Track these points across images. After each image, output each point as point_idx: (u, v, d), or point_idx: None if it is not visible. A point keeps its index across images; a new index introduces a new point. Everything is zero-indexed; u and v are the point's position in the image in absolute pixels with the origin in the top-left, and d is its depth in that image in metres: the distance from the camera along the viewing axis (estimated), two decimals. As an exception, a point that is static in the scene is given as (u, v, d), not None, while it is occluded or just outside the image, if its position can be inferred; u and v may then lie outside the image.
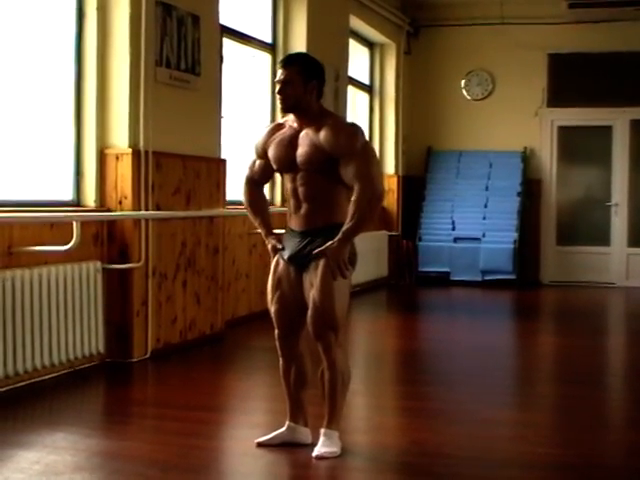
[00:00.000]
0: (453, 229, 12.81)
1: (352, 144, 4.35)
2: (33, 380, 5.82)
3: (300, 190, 4.42)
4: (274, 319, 4.54)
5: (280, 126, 4.56)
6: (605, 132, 13.06)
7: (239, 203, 8.56)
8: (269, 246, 4.57)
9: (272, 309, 4.53)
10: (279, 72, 4.41)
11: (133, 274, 6.63)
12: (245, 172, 4.70)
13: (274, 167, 4.54)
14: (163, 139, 6.92)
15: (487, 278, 12.49)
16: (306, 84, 4.37)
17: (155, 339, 6.88)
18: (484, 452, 4.61)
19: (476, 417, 5.35)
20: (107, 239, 6.57)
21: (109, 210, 6.62)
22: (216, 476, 4.34)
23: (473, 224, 12.72)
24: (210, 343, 7.53)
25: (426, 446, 4.72)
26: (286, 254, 4.47)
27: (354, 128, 4.42)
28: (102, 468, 4.29)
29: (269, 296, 4.54)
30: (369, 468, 4.33)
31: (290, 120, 4.52)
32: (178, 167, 7.17)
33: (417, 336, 8.94)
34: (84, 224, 6.08)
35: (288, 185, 4.48)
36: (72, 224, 5.87)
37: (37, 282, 5.76)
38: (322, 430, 4.42)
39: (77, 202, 6.58)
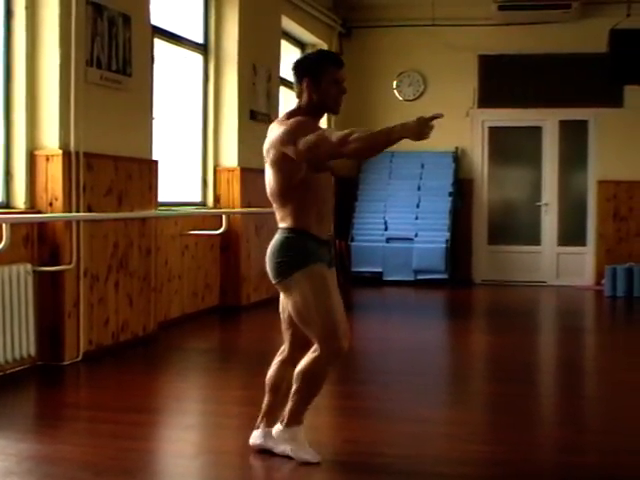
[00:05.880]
0: (386, 229, 12.87)
1: None
2: (-38, 384, 5.75)
3: (328, 195, 4.30)
4: (342, 321, 4.45)
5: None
6: (535, 133, 13.24)
7: (171, 204, 8.63)
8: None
9: (338, 312, 4.42)
10: (341, 71, 4.24)
11: (64, 276, 6.56)
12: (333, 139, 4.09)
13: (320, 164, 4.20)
14: (94, 140, 6.86)
15: (420, 278, 12.56)
16: None
17: (87, 341, 6.82)
18: (417, 449, 4.67)
19: (409, 415, 5.40)
20: (38, 241, 6.50)
21: (39, 212, 6.54)
22: (150, 478, 4.32)
23: (405, 224, 12.80)
24: (143, 345, 7.48)
25: (360, 444, 4.76)
26: (325, 260, 4.28)
27: None
28: (33, 472, 4.25)
29: (331, 297, 4.34)
30: (303, 466, 4.33)
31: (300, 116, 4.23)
32: (109, 168, 7.11)
33: (351, 336, 8.94)
34: (14, 226, 6.01)
35: (319, 189, 4.23)
36: (2, 226, 5.80)
37: (-34, 285, 5.69)
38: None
39: (6, 204, 6.49)
